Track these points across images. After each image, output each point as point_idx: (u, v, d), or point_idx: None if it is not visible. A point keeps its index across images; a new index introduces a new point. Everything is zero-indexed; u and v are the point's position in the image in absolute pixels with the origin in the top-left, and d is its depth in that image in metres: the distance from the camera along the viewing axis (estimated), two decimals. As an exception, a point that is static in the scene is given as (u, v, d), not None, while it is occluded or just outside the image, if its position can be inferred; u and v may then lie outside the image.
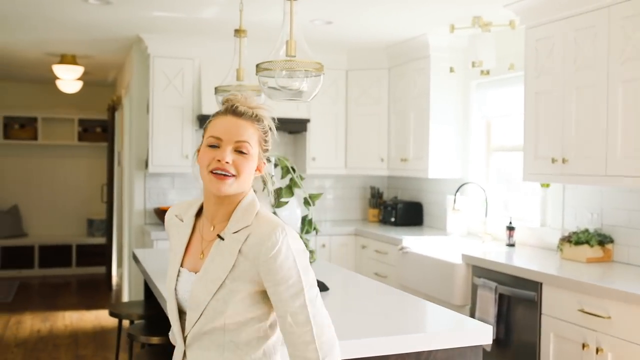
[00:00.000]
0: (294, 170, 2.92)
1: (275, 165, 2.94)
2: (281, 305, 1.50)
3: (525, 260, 3.64)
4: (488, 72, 4.37)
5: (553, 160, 3.57)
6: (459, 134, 4.97)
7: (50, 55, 5.98)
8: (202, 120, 5.08)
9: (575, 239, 3.60)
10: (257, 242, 1.50)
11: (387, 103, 5.47)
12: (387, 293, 2.71)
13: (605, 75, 3.26)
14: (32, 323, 5.74)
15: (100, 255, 8.18)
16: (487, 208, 4.51)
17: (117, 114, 7.17)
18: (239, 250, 1.51)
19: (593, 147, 3.33)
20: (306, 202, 2.93)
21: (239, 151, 1.55)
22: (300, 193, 2.95)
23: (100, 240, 8.28)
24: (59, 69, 6.00)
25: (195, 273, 1.58)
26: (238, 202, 1.58)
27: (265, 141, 1.62)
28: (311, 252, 2.92)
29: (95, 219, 8.44)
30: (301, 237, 2.82)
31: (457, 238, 4.74)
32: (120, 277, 6.75)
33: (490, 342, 2.13)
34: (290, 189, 2.86)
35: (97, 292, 7.16)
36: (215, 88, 3.28)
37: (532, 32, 3.76)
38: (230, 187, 1.54)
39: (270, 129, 1.64)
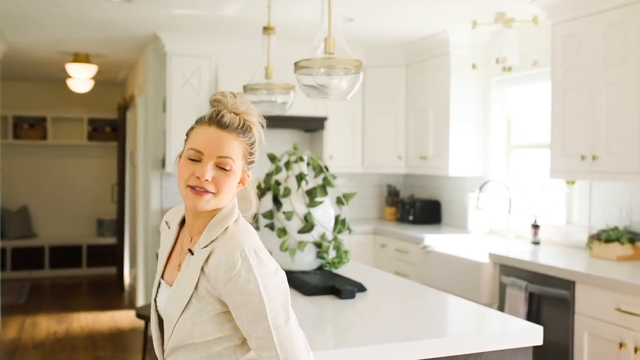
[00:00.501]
0: (326, 169, 2.88)
1: (307, 164, 2.90)
2: (244, 329, 1.43)
3: (554, 259, 3.60)
4: (510, 69, 4.34)
5: (582, 157, 3.53)
6: (479, 132, 4.93)
7: (64, 54, 5.93)
8: (220, 119, 5.03)
9: (605, 237, 3.56)
10: (216, 263, 1.41)
11: (405, 100, 5.44)
12: (426, 294, 2.67)
13: (637, 71, 3.22)
14: (47, 325, 5.70)
15: (111, 255, 8.13)
16: (511, 206, 4.47)
17: (128, 113, 7.12)
18: (202, 269, 1.43)
19: (625, 144, 3.29)
20: (339, 202, 2.89)
21: (220, 167, 1.45)
22: (333, 192, 2.91)
23: (111, 240, 8.23)
24: (72, 68, 5.95)
25: (169, 285, 1.53)
26: (214, 214, 1.49)
27: (251, 153, 1.52)
28: (345, 252, 2.88)
29: (105, 219, 8.40)
30: (335, 238, 2.80)
31: (479, 236, 4.70)
32: (133, 277, 6.70)
33: (541, 342, 2.09)
34: (324, 188, 2.83)
35: (110, 293, 7.12)
36: (244, 86, 3.24)
37: (559, 28, 3.71)
38: (207, 203, 1.45)
39: (258, 137, 1.54)
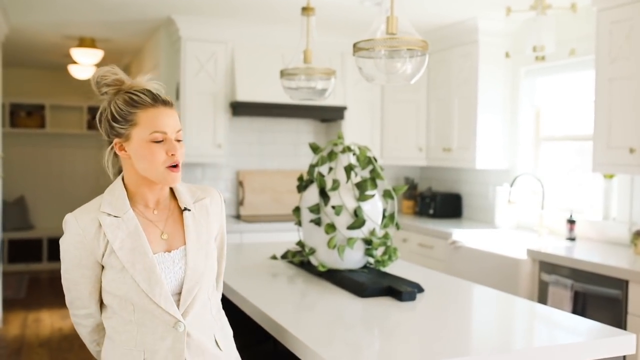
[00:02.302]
0: (375, 160, 2.68)
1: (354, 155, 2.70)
2: (222, 254, 1.81)
3: (600, 256, 3.44)
4: (543, 58, 4.15)
5: (631, 151, 3.36)
6: (505, 123, 4.76)
7: (68, 38, 5.67)
8: (236, 108, 4.82)
9: (653, 234, 3.41)
10: (210, 201, 1.74)
11: (427, 90, 5.25)
12: (485, 294, 2.49)
13: (697, 59, 3.05)
14: (51, 321, 5.47)
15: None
16: (544, 200, 4.30)
17: (133, 102, 6.86)
18: (208, 213, 1.73)
19: (681, 137, 3.13)
20: (387, 195, 2.70)
21: (177, 140, 1.62)
22: (382, 185, 2.72)
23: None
24: (77, 53, 5.68)
25: (170, 252, 1.64)
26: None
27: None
28: (394, 249, 2.69)
29: (105, 211, 8.13)
30: (386, 234, 2.60)
31: (508, 231, 4.53)
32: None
33: (634, 351, 1.92)
34: (373, 180, 2.63)
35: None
36: (281, 71, 3.03)
37: (606, 15, 3.54)
38: (180, 176, 1.63)
39: None
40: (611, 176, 3.91)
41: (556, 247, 3.75)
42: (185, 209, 1.70)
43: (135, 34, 5.48)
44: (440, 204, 5.25)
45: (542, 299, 3.56)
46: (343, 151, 2.67)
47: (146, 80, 1.65)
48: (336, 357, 1.67)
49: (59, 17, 4.86)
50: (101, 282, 1.64)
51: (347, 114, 5.22)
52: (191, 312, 1.62)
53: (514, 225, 4.64)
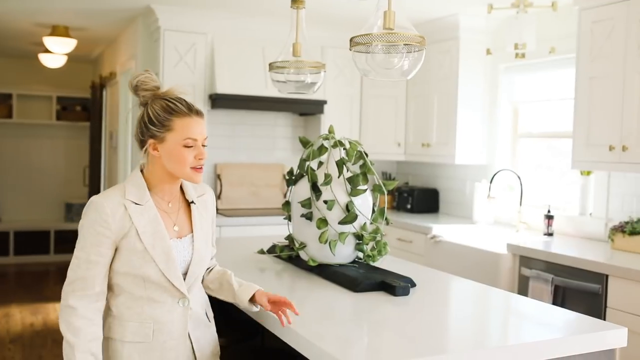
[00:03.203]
0: (366, 154, 2.68)
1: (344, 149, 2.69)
2: (213, 240, 2.08)
3: (578, 251, 3.51)
4: (523, 55, 4.21)
5: (610, 148, 3.44)
6: (485, 119, 4.81)
7: (41, 26, 5.51)
8: (215, 100, 4.76)
9: (630, 229, 3.49)
10: (210, 199, 2.04)
11: (406, 85, 5.27)
12: (481, 290, 2.52)
13: (676, 59, 3.13)
14: (22, 316, 5.34)
15: (81, 241, 7.73)
16: (522, 196, 4.36)
17: (105, 92, 6.73)
18: (207, 207, 2.01)
19: (659, 135, 3.21)
20: (378, 190, 2.70)
21: (204, 145, 1.87)
22: (372, 180, 2.72)
23: (81, 225, 7.82)
24: (49, 42, 5.53)
25: (181, 239, 1.89)
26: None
27: None
28: (384, 244, 2.70)
29: (74, 203, 7.97)
30: (377, 229, 2.61)
31: (486, 226, 4.59)
32: (111, 265, 6.36)
33: (625, 344, 1.97)
34: (365, 175, 2.63)
35: (83, 281, 6.75)
36: (270, 64, 2.99)
37: (588, 14, 3.60)
38: (202, 176, 1.90)
39: None
40: (588, 173, 3.99)
41: (535, 242, 3.81)
42: (192, 202, 1.97)
43: (111, 23, 5.36)
44: (418, 199, 5.29)
45: (523, 293, 3.61)
46: (334, 145, 2.66)
47: (179, 89, 1.90)
48: (335, 351, 1.67)
49: (32, 4, 4.72)
50: (110, 265, 1.82)
51: (326, 108, 5.21)
52: (193, 290, 1.91)
53: (492, 220, 4.70)
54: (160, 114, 1.83)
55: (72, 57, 7.03)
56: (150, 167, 1.87)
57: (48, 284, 6.63)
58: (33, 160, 8.01)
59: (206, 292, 2.08)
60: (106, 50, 6.79)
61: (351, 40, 2.22)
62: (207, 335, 1.97)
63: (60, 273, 7.15)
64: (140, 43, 4.97)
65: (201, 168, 1.87)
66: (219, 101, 4.77)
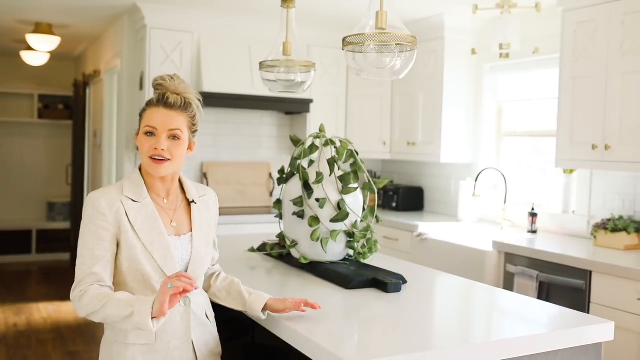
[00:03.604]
0: (357, 153, 2.71)
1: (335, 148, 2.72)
2: (214, 244, 2.07)
3: (562, 248, 3.58)
4: (508, 55, 4.27)
5: (594, 147, 3.51)
6: (469, 118, 4.87)
7: (24, 24, 5.46)
8: (202, 99, 4.74)
9: (612, 226, 3.56)
10: (213, 201, 2.04)
11: (391, 85, 5.31)
12: (470, 286, 2.56)
13: (657, 60, 3.20)
14: (5, 316, 5.28)
15: (63, 240, 7.67)
16: (507, 194, 4.43)
17: (89, 90, 6.67)
18: (208, 208, 1.99)
19: (641, 134, 3.28)
20: (368, 188, 2.73)
21: (172, 137, 1.81)
22: (363, 178, 2.74)
23: (63, 224, 7.77)
24: (32, 39, 5.48)
25: (179, 236, 1.87)
26: (177, 177, 1.93)
27: (194, 124, 1.90)
28: (375, 242, 2.73)
29: (56, 202, 7.90)
30: (368, 226, 2.64)
31: (471, 224, 4.65)
32: (95, 264, 6.31)
33: (612, 338, 2.02)
34: (356, 174, 2.65)
35: (66, 281, 6.69)
36: (260, 63, 3.00)
37: (572, 15, 3.66)
38: (166, 169, 1.83)
39: (198, 111, 1.92)
40: (571, 171, 4.07)
41: (519, 239, 3.88)
42: (193, 201, 1.96)
43: (96, 21, 5.33)
44: (403, 197, 5.33)
45: (508, 289, 3.67)
46: (326, 144, 2.68)
47: (178, 83, 1.87)
48: (329, 345, 1.69)
49: (15, 1, 4.67)
50: (115, 260, 1.81)
51: (312, 107, 5.23)
52: (194, 292, 1.87)
53: (477, 218, 4.76)
54: (142, 107, 1.88)
55: (54, 54, 6.96)
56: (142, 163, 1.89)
57: (30, 283, 6.56)
58: (14, 159, 7.92)
59: (213, 300, 2.06)
60: (89, 48, 6.74)
61: (344, 39, 2.24)
62: (207, 335, 1.95)
63: (42, 273, 7.09)
64: (126, 41, 4.95)
65: (162, 160, 1.81)
66: (205, 100, 4.65)
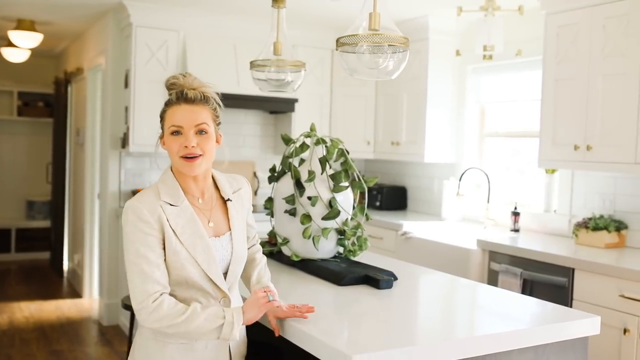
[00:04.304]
0: (347, 152, 2.75)
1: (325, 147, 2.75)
2: (252, 232, 2.07)
3: (544, 247, 3.65)
4: (491, 57, 4.34)
5: (575, 148, 3.59)
6: (452, 119, 4.94)
7: (5, 20, 5.39)
8: (188, 97, 4.75)
9: (593, 225, 3.65)
10: (244, 195, 1.98)
11: (375, 85, 5.36)
12: (459, 283, 2.61)
13: (637, 64, 3.29)
14: (-14, 315, 5.23)
15: (43, 239, 7.60)
16: (490, 193, 4.50)
17: (71, 88, 6.62)
18: (243, 203, 1.96)
19: (622, 135, 3.37)
20: (358, 186, 2.77)
21: (199, 132, 1.78)
22: (353, 176, 2.78)
23: (43, 223, 7.69)
24: (15, 36, 5.42)
25: (219, 237, 1.85)
26: (209, 174, 1.89)
27: (217, 116, 1.86)
28: (365, 239, 2.77)
29: (36, 201, 7.81)
30: (358, 224, 2.68)
31: (454, 223, 4.72)
32: (77, 263, 6.27)
33: (598, 332, 2.08)
34: (346, 172, 2.69)
35: (47, 280, 6.63)
36: (251, 63, 3.03)
37: (554, 18, 3.74)
38: (199, 166, 1.80)
39: (218, 104, 1.87)
40: (553, 171, 4.15)
41: (503, 238, 3.95)
42: (229, 199, 1.92)
43: (80, 18, 5.29)
44: (387, 196, 5.39)
45: (492, 286, 3.73)
46: (317, 143, 2.71)
47: (192, 80, 1.84)
48: (324, 338, 1.73)
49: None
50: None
51: (297, 106, 5.26)
52: (233, 289, 1.88)
53: (460, 217, 4.84)
54: (162, 108, 1.84)
55: (34, 51, 6.88)
56: (172, 165, 1.84)
57: (10, 283, 6.48)
58: (-8, 156, 7.82)
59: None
60: (71, 45, 6.68)
61: (337, 40, 2.28)
62: (241, 335, 1.93)
63: (22, 272, 7.01)
64: (111, 39, 4.93)
65: (194, 158, 1.77)
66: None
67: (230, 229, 1.88)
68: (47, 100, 7.77)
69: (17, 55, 6.23)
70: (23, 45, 5.59)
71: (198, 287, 1.77)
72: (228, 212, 1.90)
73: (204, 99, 1.81)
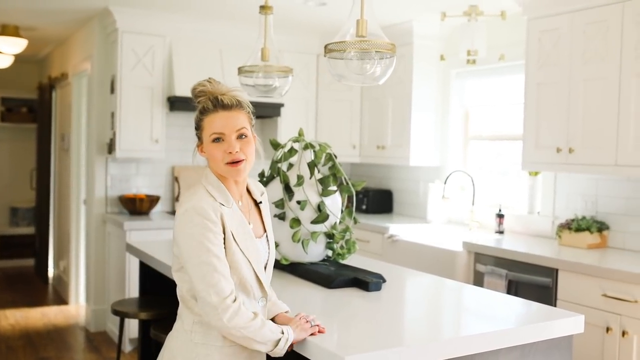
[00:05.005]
0: (335, 156, 2.79)
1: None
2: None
3: (528, 248, 3.72)
4: (474, 62, 4.41)
5: (558, 150, 3.66)
6: (437, 122, 5.00)
7: (-11, 26, 5.38)
8: (174, 103, 4.77)
9: (576, 226, 3.72)
10: (266, 196, 2.03)
11: (361, 89, 5.41)
12: (446, 285, 2.66)
13: (617, 68, 3.37)
14: (-30, 323, 5.18)
15: (27, 246, 7.54)
16: (474, 196, 4.57)
17: (55, 93, 6.59)
18: (267, 206, 2.00)
19: (603, 138, 3.44)
20: (346, 190, 2.81)
21: (240, 137, 1.80)
22: (341, 180, 2.82)
23: (27, 230, 7.63)
24: (-1, 42, 5.40)
25: (259, 239, 1.89)
26: (247, 178, 1.92)
27: (251, 118, 1.89)
28: (353, 243, 2.81)
29: (20, 207, 7.75)
30: (347, 228, 2.72)
31: (440, 226, 4.78)
32: (63, 269, 6.24)
33: (582, 330, 2.14)
34: (334, 176, 2.73)
35: (32, 287, 6.59)
36: (239, 68, 3.05)
37: (536, 24, 3.82)
38: (244, 170, 1.82)
39: (249, 107, 1.89)
40: (536, 173, 4.22)
41: (488, 239, 4.01)
42: (260, 202, 1.97)
43: (64, 23, 5.28)
44: (373, 200, 5.43)
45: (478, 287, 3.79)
46: (305, 148, 2.75)
47: (219, 85, 1.86)
48: (315, 340, 1.76)
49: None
50: None
51: (283, 111, 5.29)
52: (269, 290, 1.91)
53: (446, 220, 4.89)
54: (197, 116, 1.85)
55: (17, 56, 6.83)
56: (212, 170, 1.85)
57: (-5, 290, 6.44)
58: (-25, 163, 7.75)
59: None
60: (55, 50, 6.65)
61: (326, 46, 2.32)
62: None
63: (6, 279, 6.95)
64: (96, 44, 4.92)
65: (238, 162, 1.79)
66: (177, 104, 4.78)
67: (265, 231, 1.94)
68: (31, 106, 7.72)
69: (0, 61, 6.19)
70: (7, 51, 5.57)
71: (247, 286, 1.80)
72: (262, 214, 1.95)
73: (239, 104, 1.84)
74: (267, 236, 1.94)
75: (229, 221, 1.78)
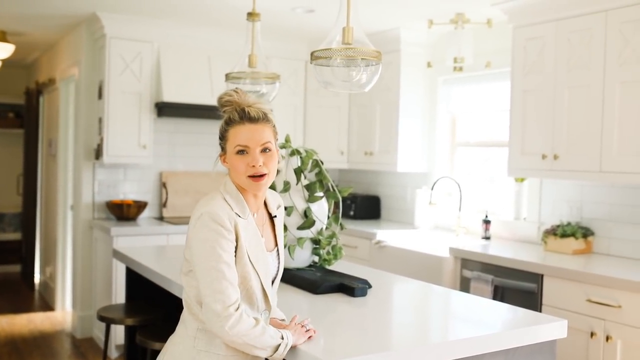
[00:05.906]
0: (321, 162, 2.80)
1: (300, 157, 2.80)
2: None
3: (514, 254, 3.74)
4: (461, 69, 4.45)
5: (543, 157, 3.70)
6: (424, 129, 5.03)
7: (-24, 31, 5.35)
8: (161, 108, 4.77)
9: (561, 232, 3.75)
10: (282, 208, 2.03)
11: (348, 95, 5.43)
12: (432, 290, 2.68)
13: (601, 76, 3.41)
14: (-45, 330, 5.14)
15: (13, 252, 7.49)
16: (461, 202, 4.60)
17: (43, 98, 6.56)
18: (281, 219, 1.99)
19: (587, 144, 3.48)
20: (332, 196, 2.82)
21: (264, 150, 1.79)
22: (327, 187, 2.83)
23: (13, 235, 7.58)
24: (-15, 47, 5.38)
25: (270, 252, 1.89)
26: (266, 191, 1.91)
27: (276, 132, 1.86)
28: (340, 248, 2.82)
29: (6, 213, 7.70)
30: (333, 233, 2.73)
31: (427, 231, 4.80)
32: (49, 275, 6.20)
33: (565, 335, 2.16)
34: (321, 182, 2.75)
35: (18, 293, 6.54)
36: (227, 75, 3.07)
37: (521, 32, 3.86)
38: (266, 184, 1.82)
39: (274, 120, 1.87)
40: (522, 180, 4.26)
41: (474, 245, 4.04)
42: (275, 216, 1.96)
43: (52, 29, 5.27)
44: (361, 206, 5.45)
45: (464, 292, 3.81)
46: (292, 154, 2.76)
47: (254, 97, 1.86)
48: (304, 346, 1.77)
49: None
50: None
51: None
52: (273, 303, 1.90)
53: (433, 225, 4.92)
54: (222, 126, 1.84)
55: (4, 61, 6.80)
56: (232, 181, 1.84)
57: (-20, 296, 6.39)
58: (-38, 168, 7.69)
59: None
60: (43, 55, 6.63)
61: (312, 54, 2.34)
62: None
63: (-8, 285, 6.90)
64: (84, 50, 4.92)
65: (261, 176, 1.78)
66: (165, 109, 4.78)
67: (276, 245, 1.93)
68: (18, 111, 7.68)
69: (-13, 65, 6.17)
70: (-6, 56, 5.54)
71: (253, 298, 1.80)
72: (275, 229, 1.94)
73: (265, 117, 1.82)
74: (277, 250, 1.93)
75: (243, 232, 1.76)
